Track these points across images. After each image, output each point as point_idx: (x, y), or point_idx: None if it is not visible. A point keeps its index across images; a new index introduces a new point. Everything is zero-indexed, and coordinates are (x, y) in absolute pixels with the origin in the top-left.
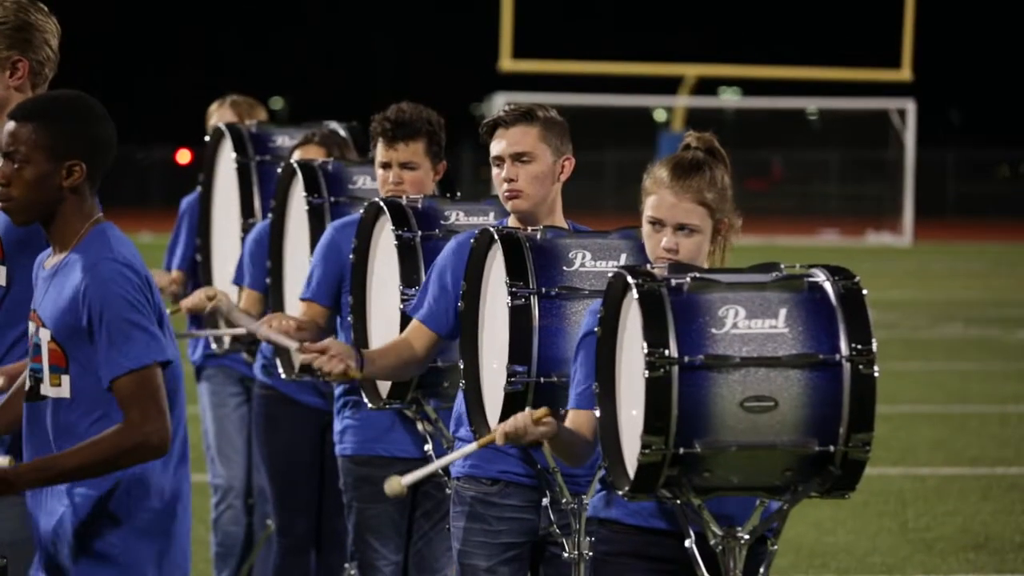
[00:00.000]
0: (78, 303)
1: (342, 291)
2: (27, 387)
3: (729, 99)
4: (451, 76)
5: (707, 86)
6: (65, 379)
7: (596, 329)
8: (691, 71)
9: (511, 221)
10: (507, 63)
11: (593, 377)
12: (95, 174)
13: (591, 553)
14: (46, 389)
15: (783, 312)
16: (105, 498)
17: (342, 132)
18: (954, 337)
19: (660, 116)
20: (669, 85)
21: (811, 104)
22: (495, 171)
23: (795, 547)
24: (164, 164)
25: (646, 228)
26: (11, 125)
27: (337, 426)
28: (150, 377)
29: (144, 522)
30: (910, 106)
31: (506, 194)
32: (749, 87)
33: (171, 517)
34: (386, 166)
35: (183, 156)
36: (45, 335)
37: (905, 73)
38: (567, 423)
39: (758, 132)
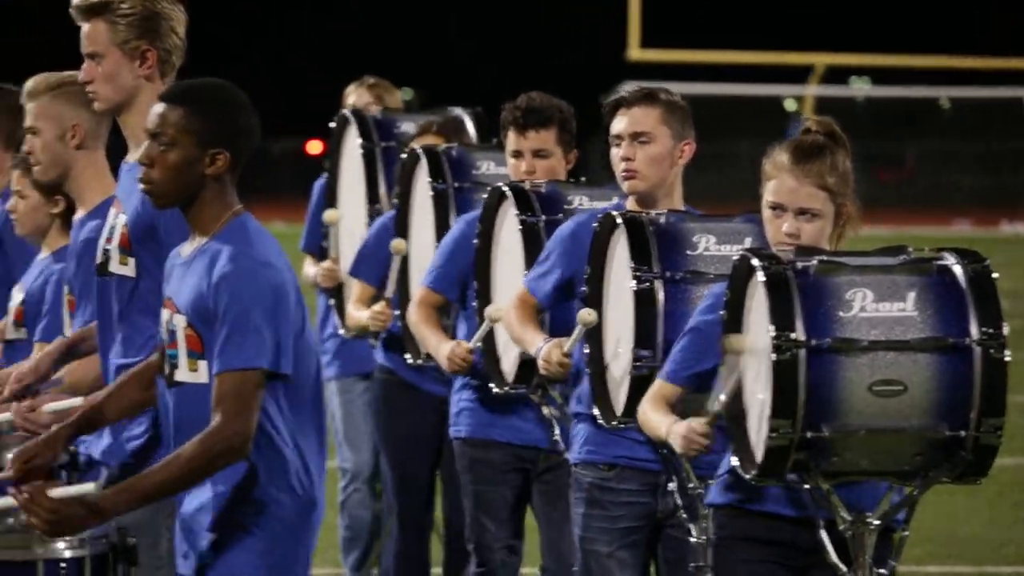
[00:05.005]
0: (213, 291)
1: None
2: (164, 373)
3: (860, 88)
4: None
5: (837, 75)
6: (202, 364)
7: (722, 312)
8: (821, 60)
9: (629, 204)
10: (635, 52)
11: (694, 364)
12: (237, 164)
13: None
14: (182, 375)
15: (912, 295)
16: (247, 486)
17: (466, 118)
18: None
19: (791, 106)
20: (799, 74)
21: (943, 93)
22: (613, 150)
23: (929, 538)
24: (292, 154)
25: (767, 213)
26: (161, 107)
27: (453, 408)
28: (251, 380)
29: (285, 510)
30: None
31: (623, 174)
32: (880, 76)
33: (310, 506)
34: (517, 154)
35: (314, 147)
36: (181, 321)
37: None
38: (655, 392)
39: (889, 122)
